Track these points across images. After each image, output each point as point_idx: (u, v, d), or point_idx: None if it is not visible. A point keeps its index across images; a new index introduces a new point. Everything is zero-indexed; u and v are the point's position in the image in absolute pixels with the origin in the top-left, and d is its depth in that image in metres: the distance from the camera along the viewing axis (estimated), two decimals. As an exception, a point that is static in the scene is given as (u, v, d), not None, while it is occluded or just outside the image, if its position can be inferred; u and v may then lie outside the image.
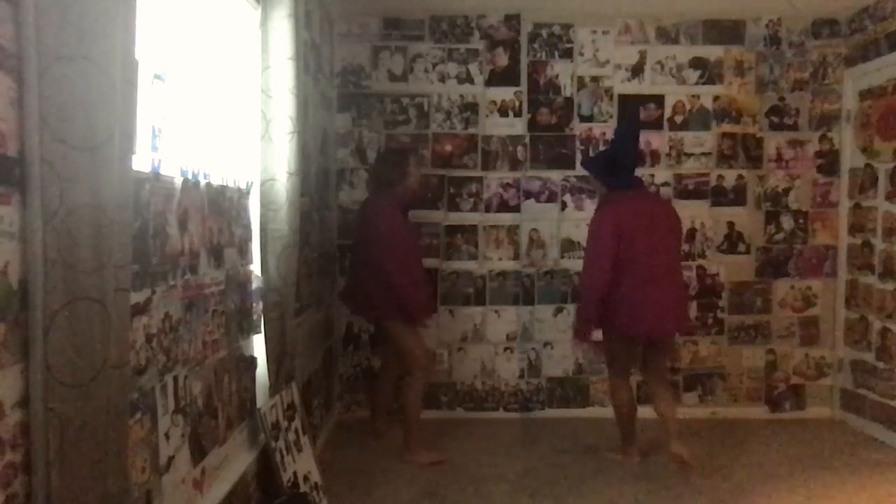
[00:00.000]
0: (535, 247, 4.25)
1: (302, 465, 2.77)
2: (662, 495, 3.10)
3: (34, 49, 1.14)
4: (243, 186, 2.55)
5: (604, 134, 4.20)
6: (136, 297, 1.64)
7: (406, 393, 3.50)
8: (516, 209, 4.23)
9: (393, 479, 3.27)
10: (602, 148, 4.15)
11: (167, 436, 1.84)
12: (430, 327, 4.18)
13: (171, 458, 1.86)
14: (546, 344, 4.26)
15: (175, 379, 1.89)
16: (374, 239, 3.35)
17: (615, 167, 3.35)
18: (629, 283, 3.16)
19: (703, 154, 4.23)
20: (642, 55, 4.21)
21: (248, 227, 2.59)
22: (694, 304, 4.20)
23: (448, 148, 4.20)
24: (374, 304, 3.43)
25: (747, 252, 4.26)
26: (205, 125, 2.17)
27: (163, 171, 1.82)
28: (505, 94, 4.20)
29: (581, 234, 4.20)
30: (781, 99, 4.23)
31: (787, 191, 4.25)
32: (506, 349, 4.26)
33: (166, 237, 1.84)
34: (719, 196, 4.24)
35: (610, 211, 3.25)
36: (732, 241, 4.26)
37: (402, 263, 3.33)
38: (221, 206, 2.29)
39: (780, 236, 4.27)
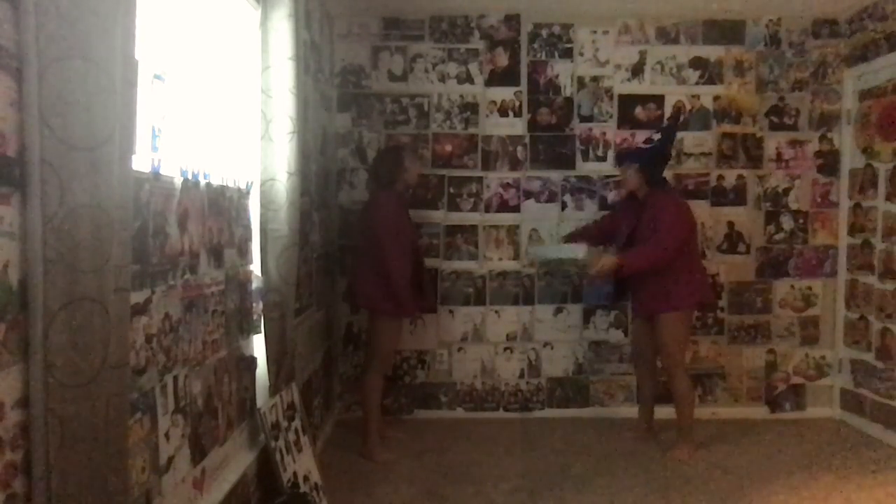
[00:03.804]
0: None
1: (302, 465, 2.77)
2: (663, 495, 3.10)
3: (34, 49, 1.14)
4: (243, 186, 2.55)
5: (604, 134, 4.21)
6: (136, 297, 1.64)
7: (365, 389, 3.56)
8: (516, 209, 4.23)
9: (393, 479, 3.27)
10: (604, 145, 4.17)
11: (167, 436, 1.84)
12: (427, 327, 4.18)
13: (171, 458, 1.86)
14: (546, 344, 4.26)
15: (175, 379, 1.89)
16: (377, 232, 3.40)
17: (664, 163, 3.68)
18: (697, 259, 3.71)
19: (703, 154, 4.22)
20: (642, 55, 4.20)
21: (248, 227, 2.59)
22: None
23: (448, 148, 4.20)
24: (370, 293, 3.48)
25: (747, 252, 4.26)
26: (205, 125, 2.17)
27: (163, 171, 1.82)
28: (505, 94, 4.20)
29: (581, 234, 4.22)
30: (781, 99, 4.22)
31: (787, 191, 4.25)
32: (506, 349, 4.26)
33: (166, 237, 1.84)
34: (719, 196, 4.24)
35: (681, 200, 3.70)
36: (732, 241, 4.25)
37: (402, 255, 3.41)
38: (221, 206, 2.29)
39: (780, 236, 4.27)
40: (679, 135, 4.18)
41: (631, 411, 4.07)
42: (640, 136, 4.18)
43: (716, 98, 4.21)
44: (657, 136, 3.63)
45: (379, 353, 3.54)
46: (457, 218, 4.21)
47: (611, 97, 4.22)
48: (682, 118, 4.17)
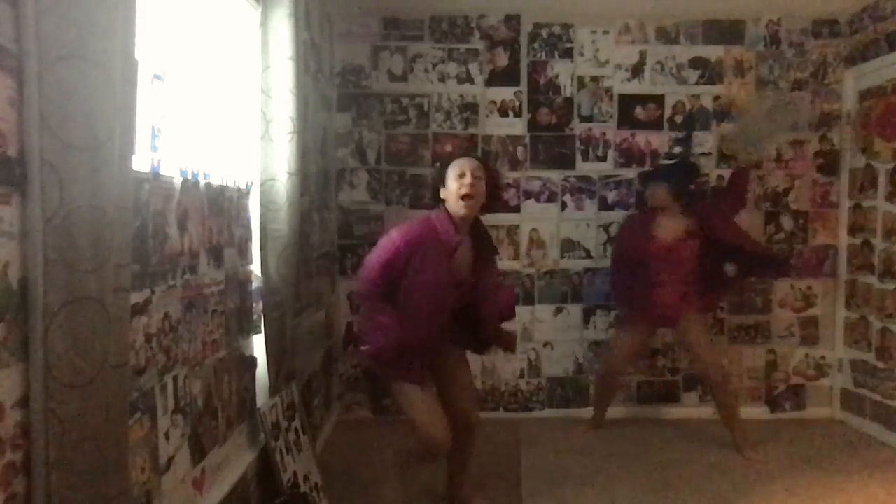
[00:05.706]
0: (535, 247, 4.25)
1: (302, 465, 2.77)
2: (663, 495, 3.10)
3: (34, 49, 1.14)
4: (243, 186, 2.55)
5: (604, 134, 4.20)
6: (136, 297, 1.64)
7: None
8: (516, 209, 4.23)
9: (393, 479, 3.25)
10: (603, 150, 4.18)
11: (167, 436, 1.84)
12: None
13: (171, 458, 1.86)
14: (546, 344, 4.26)
15: (175, 379, 1.89)
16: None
17: (695, 176, 3.82)
18: None
19: (703, 154, 4.22)
20: (642, 55, 4.20)
21: (248, 227, 2.59)
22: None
23: (448, 148, 4.19)
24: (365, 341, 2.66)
25: (747, 252, 4.26)
26: (205, 125, 2.17)
27: (163, 171, 1.82)
28: (505, 94, 4.20)
29: (581, 234, 4.22)
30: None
31: (787, 191, 4.25)
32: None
33: (166, 237, 1.84)
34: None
35: None
36: (732, 241, 4.25)
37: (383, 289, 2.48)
38: (221, 206, 2.29)
39: (780, 236, 4.27)
40: (678, 135, 4.17)
41: (631, 411, 4.10)
42: (640, 137, 4.20)
43: (716, 98, 4.21)
44: (678, 150, 3.63)
45: (413, 428, 2.56)
46: (457, 218, 4.20)
47: (611, 97, 4.21)
48: (688, 123, 4.15)
